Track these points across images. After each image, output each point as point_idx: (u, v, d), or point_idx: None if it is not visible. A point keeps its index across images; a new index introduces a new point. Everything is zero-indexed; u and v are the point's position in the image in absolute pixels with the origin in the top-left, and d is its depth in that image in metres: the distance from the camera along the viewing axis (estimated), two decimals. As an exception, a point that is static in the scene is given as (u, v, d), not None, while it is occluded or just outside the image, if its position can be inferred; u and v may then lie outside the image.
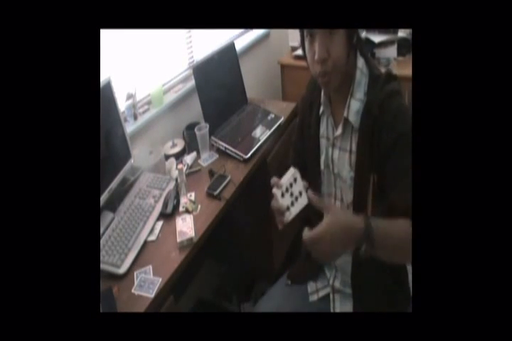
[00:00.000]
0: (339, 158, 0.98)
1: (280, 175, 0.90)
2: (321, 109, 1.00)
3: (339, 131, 0.95)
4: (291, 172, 0.84)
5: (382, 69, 0.95)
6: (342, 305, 1.08)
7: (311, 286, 1.15)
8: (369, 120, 0.88)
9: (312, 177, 1.04)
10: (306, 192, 0.79)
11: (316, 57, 0.83)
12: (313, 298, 1.13)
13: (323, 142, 1.02)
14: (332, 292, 1.10)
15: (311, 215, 0.89)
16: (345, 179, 0.98)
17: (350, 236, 0.76)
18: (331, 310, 1.08)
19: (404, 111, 0.85)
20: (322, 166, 1.03)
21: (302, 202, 0.79)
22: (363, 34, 2.03)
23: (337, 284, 1.10)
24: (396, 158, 0.85)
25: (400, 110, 0.85)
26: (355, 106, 0.91)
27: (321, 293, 1.12)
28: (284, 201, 0.83)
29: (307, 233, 0.75)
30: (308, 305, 1.12)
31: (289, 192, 0.83)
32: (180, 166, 1.30)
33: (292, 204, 0.81)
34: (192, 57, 1.75)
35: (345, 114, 0.92)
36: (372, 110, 0.87)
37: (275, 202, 0.85)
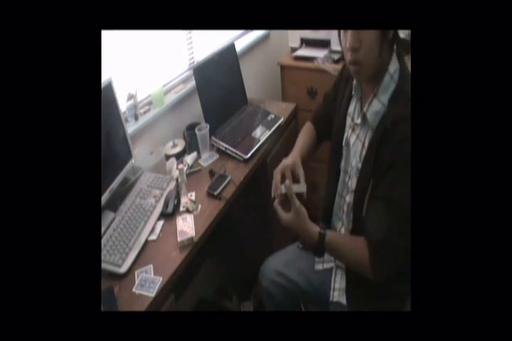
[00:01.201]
0: (354, 144, 1.01)
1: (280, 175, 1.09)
2: (353, 90, 1.02)
3: (359, 120, 0.98)
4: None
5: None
6: (341, 281, 1.14)
7: None
8: (379, 129, 0.90)
9: (334, 150, 1.10)
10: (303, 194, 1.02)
11: (348, 45, 0.85)
12: (319, 267, 1.21)
13: (348, 120, 1.05)
14: (335, 267, 1.17)
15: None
16: (353, 166, 1.00)
17: (305, 237, 0.96)
18: (332, 282, 1.16)
19: (407, 143, 0.76)
20: (344, 143, 1.06)
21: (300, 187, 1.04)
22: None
23: (338, 262, 1.15)
24: (384, 188, 0.88)
25: (406, 139, 0.77)
26: (376, 106, 0.92)
27: (326, 265, 1.20)
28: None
29: (281, 213, 0.97)
30: (313, 271, 1.22)
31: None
32: (180, 166, 1.30)
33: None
34: (192, 58, 1.75)
35: (364, 109, 0.94)
36: (387, 121, 0.88)
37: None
